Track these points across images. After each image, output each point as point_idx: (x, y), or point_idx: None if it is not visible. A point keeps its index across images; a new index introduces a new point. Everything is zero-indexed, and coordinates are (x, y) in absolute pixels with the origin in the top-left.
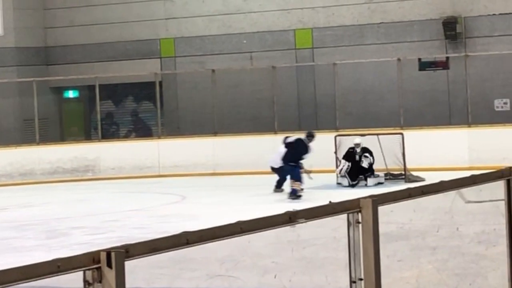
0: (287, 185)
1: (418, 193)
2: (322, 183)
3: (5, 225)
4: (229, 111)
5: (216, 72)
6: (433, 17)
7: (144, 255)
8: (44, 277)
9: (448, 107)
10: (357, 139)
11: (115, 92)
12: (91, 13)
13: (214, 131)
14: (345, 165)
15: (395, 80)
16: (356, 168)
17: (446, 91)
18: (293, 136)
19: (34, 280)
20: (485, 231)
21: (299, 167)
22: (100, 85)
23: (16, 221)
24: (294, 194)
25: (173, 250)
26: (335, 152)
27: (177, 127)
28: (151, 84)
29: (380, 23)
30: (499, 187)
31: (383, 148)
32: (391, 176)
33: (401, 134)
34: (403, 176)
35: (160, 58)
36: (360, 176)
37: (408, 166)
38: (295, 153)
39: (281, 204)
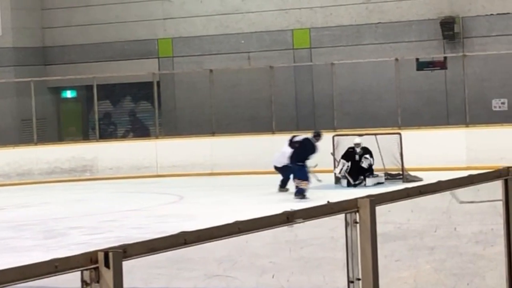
0: (290, 185)
1: (416, 193)
2: (320, 183)
3: (3, 225)
4: (227, 111)
5: (214, 72)
6: (431, 17)
7: (142, 255)
8: (42, 277)
9: (446, 107)
10: (357, 139)
11: (113, 92)
12: (89, 13)
13: (212, 131)
14: (344, 165)
15: (393, 80)
16: (356, 168)
17: (444, 91)
18: (300, 136)
19: (31, 280)
20: (483, 231)
21: (306, 166)
22: (98, 85)
23: (14, 221)
24: (301, 194)
25: (171, 250)
26: (332, 154)
27: (175, 127)
28: (149, 84)
29: (378, 23)
30: (496, 187)
31: (381, 148)
32: (389, 176)
33: (399, 134)
34: (401, 176)
35: (158, 58)
36: (361, 177)
37: (406, 166)
38: (303, 152)
39: (279, 204)
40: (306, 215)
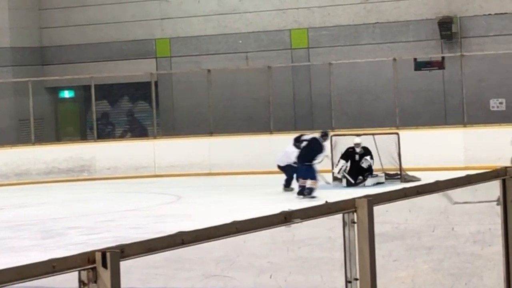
0: (294, 184)
1: (414, 193)
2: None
3: (1, 225)
4: (225, 111)
5: (212, 72)
6: (428, 17)
7: (139, 255)
8: (40, 277)
9: (444, 107)
10: (357, 139)
11: (110, 92)
12: (87, 13)
13: (210, 131)
14: (344, 165)
15: (391, 80)
16: (356, 168)
17: (442, 91)
18: (307, 135)
19: (29, 280)
20: (481, 231)
21: (314, 166)
22: (95, 85)
23: (11, 221)
24: (310, 193)
25: (169, 250)
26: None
27: (173, 127)
28: (147, 84)
29: (376, 23)
30: (494, 187)
31: (379, 148)
32: (386, 176)
33: (397, 134)
34: (399, 176)
35: (156, 58)
36: (360, 177)
37: (404, 166)
38: (310, 152)
39: (277, 204)
40: (304, 215)
